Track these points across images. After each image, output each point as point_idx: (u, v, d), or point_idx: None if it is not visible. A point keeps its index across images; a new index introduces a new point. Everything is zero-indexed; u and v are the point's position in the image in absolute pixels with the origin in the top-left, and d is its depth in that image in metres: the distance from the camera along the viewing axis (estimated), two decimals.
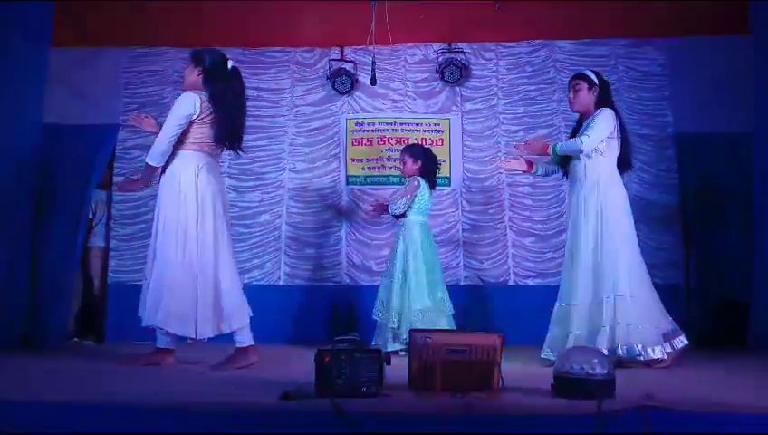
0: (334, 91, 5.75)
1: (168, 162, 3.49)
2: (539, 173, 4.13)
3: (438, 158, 4.90)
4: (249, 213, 5.66)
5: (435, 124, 5.79)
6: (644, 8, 5.18)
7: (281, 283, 5.60)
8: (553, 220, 5.56)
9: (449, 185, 5.64)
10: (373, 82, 5.31)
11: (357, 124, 5.81)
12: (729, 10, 4.99)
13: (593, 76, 3.87)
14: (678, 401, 2.07)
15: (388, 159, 5.72)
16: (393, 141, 5.75)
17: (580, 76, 3.89)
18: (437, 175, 4.84)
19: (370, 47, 5.25)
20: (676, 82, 5.57)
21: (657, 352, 3.51)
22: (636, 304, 3.57)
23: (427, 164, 4.71)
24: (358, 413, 1.87)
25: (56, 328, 5.04)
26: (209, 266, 3.41)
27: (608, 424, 1.83)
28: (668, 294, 3.84)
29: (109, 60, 5.72)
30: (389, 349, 4.24)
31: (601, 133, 3.70)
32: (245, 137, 3.71)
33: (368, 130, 5.80)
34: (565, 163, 3.93)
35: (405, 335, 4.21)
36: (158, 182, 3.55)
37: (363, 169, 5.77)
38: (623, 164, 3.85)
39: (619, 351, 3.48)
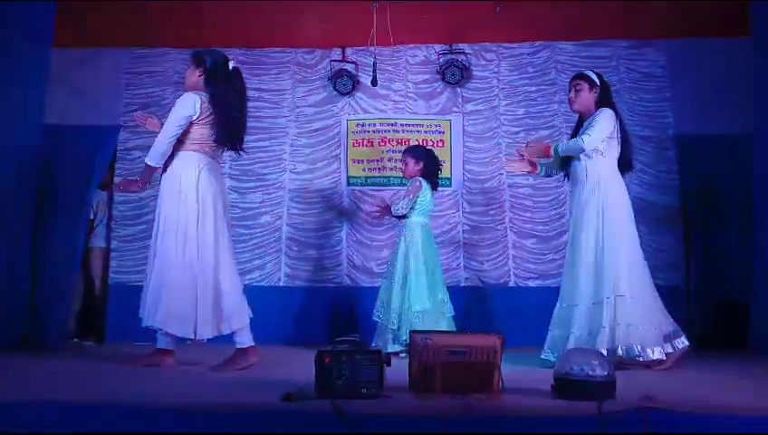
0: (335, 92, 5.75)
1: (169, 163, 3.50)
2: (541, 174, 4.13)
3: (439, 159, 4.90)
4: (250, 214, 5.66)
5: (436, 125, 5.79)
6: (645, 10, 5.19)
7: (281, 284, 5.60)
8: (554, 222, 5.56)
9: (450, 186, 5.64)
10: (374, 82, 5.32)
11: (358, 125, 5.81)
12: (729, 11, 4.99)
13: (594, 77, 3.88)
14: (678, 402, 2.07)
15: (389, 160, 5.72)
16: (394, 142, 5.75)
17: (582, 76, 3.90)
18: (439, 176, 4.85)
19: (371, 48, 5.26)
20: (676, 84, 5.57)
21: (657, 353, 3.51)
22: (636, 305, 3.57)
23: (428, 165, 4.71)
24: (358, 414, 1.87)
25: (56, 328, 5.04)
26: (210, 267, 3.41)
27: (608, 425, 1.83)
28: (669, 296, 3.84)
29: (109, 60, 5.73)
30: (389, 350, 4.24)
31: (602, 132, 3.70)
32: (246, 138, 3.72)
33: (369, 131, 5.80)
34: (566, 164, 3.93)
35: (405, 337, 4.21)
36: (159, 183, 3.55)
37: (364, 170, 5.77)
38: (624, 165, 3.86)
39: (619, 351, 3.48)
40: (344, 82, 5.69)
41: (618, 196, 3.75)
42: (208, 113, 3.46)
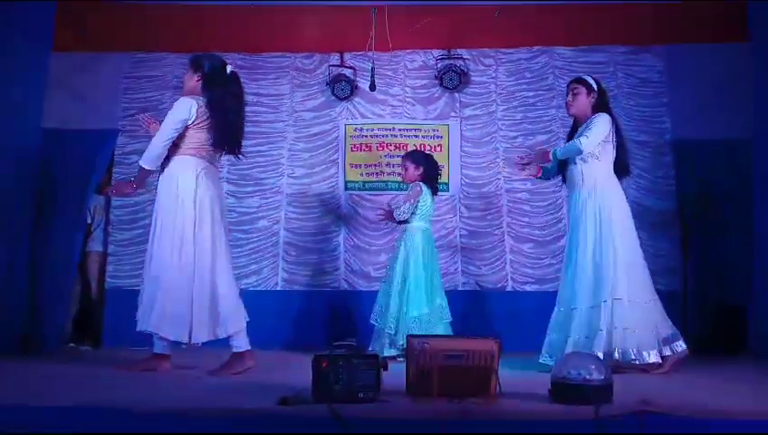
0: (333, 97, 5.75)
1: (166, 167, 3.50)
2: (541, 177, 4.15)
3: (439, 164, 4.91)
4: (247, 218, 5.66)
5: (434, 130, 5.79)
6: (642, 15, 5.20)
7: (278, 288, 5.59)
8: (551, 226, 5.56)
9: (448, 191, 5.64)
10: (372, 87, 5.33)
11: (356, 130, 5.81)
12: (728, 15, 5.01)
13: (592, 82, 3.92)
14: (676, 406, 2.07)
15: (387, 164, 5.72)
16: (392, 147, 5.76)
17: (580, 81, 3.93)
18: (439, 181, 4.86)
19: (370, 53, 5.27)
20: (674, 89, 5.58)
21: (653, 357, 3.52)
22: (634, 309, 3.58)
23: (428, 170, 4.73)
24: (355, 419, 1.87)
25: (55, 331, 5.03)
26: (206, 271, 3.41)
27: (605, 429, 1.83)
28: (666, 301, 3.84)
29: (109, 65, 5.72)
30: (386, 354, 4.23)
31: (599, 135, 3.72)
32: (244, 142, 3.72)
33: (367, 136, 5.80)
34: (562, 169, 3.95)
35: (401, 341, 4.21)
36: (156, 187, 3.56)
37: (362, 174, 5.77)
38: (621, 170, 3.88)
39: (615, 355, 3.48)
40: (342, 87, 5.70)
41: (615, 199, 3.76)
42: (205, 117, 3.47)
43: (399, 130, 5.80)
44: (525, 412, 2.19)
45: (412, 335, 2.70)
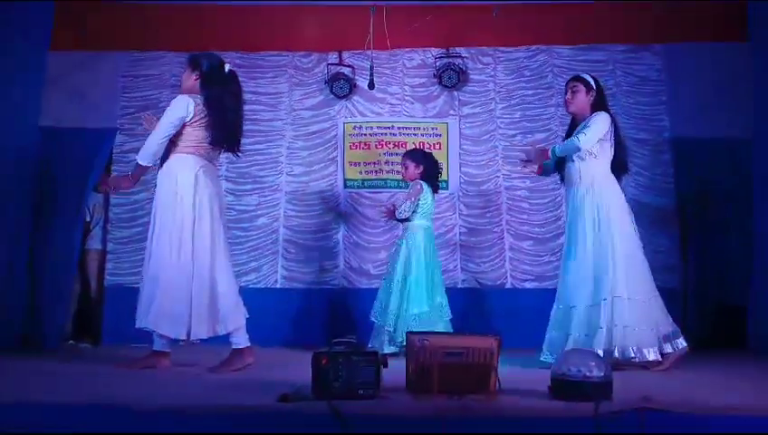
0: (332, 96, 5.75)
1: (165, 165, 3.51)
2: (541, 173, 4.16)
3: (439, 162, 4.91)
4: (246, 216, 5.65)
5: (432, 128, 5.79)
6: (642, 14, 5.21)
7: (278, 286, 5.59)
8: (551, 223, 5.57)
9: (447, 189, 5.64)
10: (371, 86, 5.33)
11: (355, 128, 5.81)
12: (728, 14, 5.02)
13: (591, 80, 3.91)
14: (676, 403, 2.07)
15: (386, 162, 5.72)
16: (391, 145, 5.76)
17: (579, 78, 3.93)
18: (439, 179, 4.86)
19: (369, 51, 5.27)
20: (673, 87, 5.58)
21: (653, 355, 3.52)
22: (633, 306, 3.58)
23: (429, 168, 4.74)
24: (355, 415, 1.87)
25: (55, 330, 5.02)
26: (206, 269, 3.41)
27: (605, 427, 1.82)
28: (666, 298, 3.84)
29: (107, 63, 5.71)
30: (385, 352, 4.23)
31: (597, 133, 3.73)
32: (243, 140, 3.73)
33: (365, 134, 5.80)
34: (560, 166, 3.95)
35: (400, 339, 4.22)
36: (155, 185, 3.56)
37: (360, 172, 5.77)
38: (619, 168, 3.89)
39: (615, 353, 3.48)
40: (341, 86, 5.69)
41: (613, 197, 3.77)
42: (202, 115, 3.47)
43: (398, 128, 5.80)
44: (525, 409, 2.19)
45: (412, 332, 2.69)
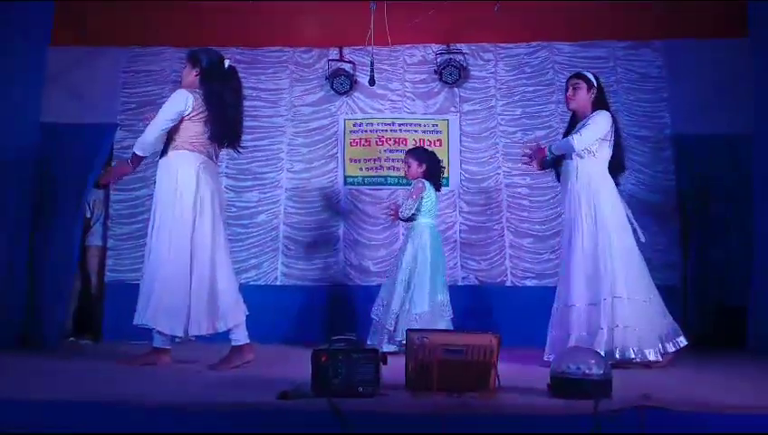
0: (333, 92, 5.75)
1: (165, 161, 3.50)
2: (541, 168, 4.15)
3: (441, 160, 4.91)
4: (247, 213, 5.66)
5: (433, 125, 5.79)
6: (642, 10, 5.19)
7: (278, 283, 5.60)
8: (551, 221, 5.57)
9: (447, 186, 5.64)
10: (372, 82, 5.31)
11: (355, 125, 5.81)
12: (728, 11, 5.00)
13: (592, 78, 3.90)
14: (675, 401, 2.07)
15: (386, 159, 5.72)
16: (391, 142, 5.75)
17: (580, 76, 3.92)
18: (442, 177, 4.87)
19: (369, 48, 5.25)
20: (674, 84, 5.58)
21: (653, 355, 3.52)
22: (633, 306, 3.57)
23: (431, 167, 4.74)
24: (354, 413, 1.87)
25: (55, 328, 5.01)
26: (206, 266, 3.41)
27: (604, 424, 1.82)
28: (665, 296, 3.84)
29: (107, 59, 5.72)
30: (384, 350, 4.23)
31: (595, 134, 3.72)
32: (243, 137, 3.72)
33: (366, 131, 5.80)
34: (558, 164, 3.94)
35: (400, 337, 4.21)
36: (155, 181, 3.55)
37: (361, 169, 5.76)
38: (616, 167, 3.88)
39: (616, 353, 3.48)
40: (341, 82, 5.69)
41: (610, 196, 3.75)
42: (201, 110, 3.47)
43: (399, 124, 5.79)
44: (524, 407, 2.18)
45: (411, 330, 2.69)
